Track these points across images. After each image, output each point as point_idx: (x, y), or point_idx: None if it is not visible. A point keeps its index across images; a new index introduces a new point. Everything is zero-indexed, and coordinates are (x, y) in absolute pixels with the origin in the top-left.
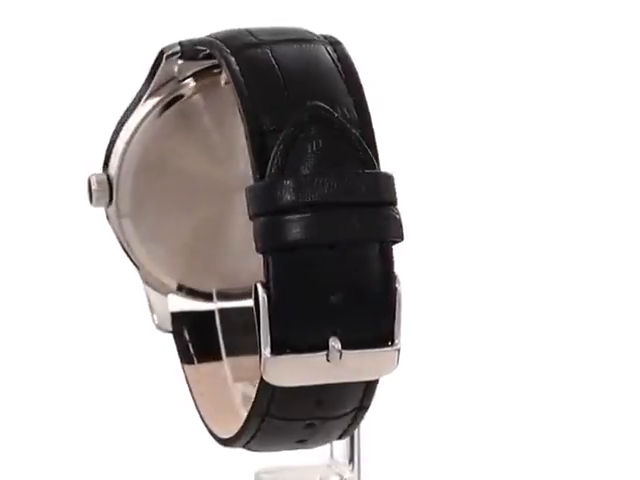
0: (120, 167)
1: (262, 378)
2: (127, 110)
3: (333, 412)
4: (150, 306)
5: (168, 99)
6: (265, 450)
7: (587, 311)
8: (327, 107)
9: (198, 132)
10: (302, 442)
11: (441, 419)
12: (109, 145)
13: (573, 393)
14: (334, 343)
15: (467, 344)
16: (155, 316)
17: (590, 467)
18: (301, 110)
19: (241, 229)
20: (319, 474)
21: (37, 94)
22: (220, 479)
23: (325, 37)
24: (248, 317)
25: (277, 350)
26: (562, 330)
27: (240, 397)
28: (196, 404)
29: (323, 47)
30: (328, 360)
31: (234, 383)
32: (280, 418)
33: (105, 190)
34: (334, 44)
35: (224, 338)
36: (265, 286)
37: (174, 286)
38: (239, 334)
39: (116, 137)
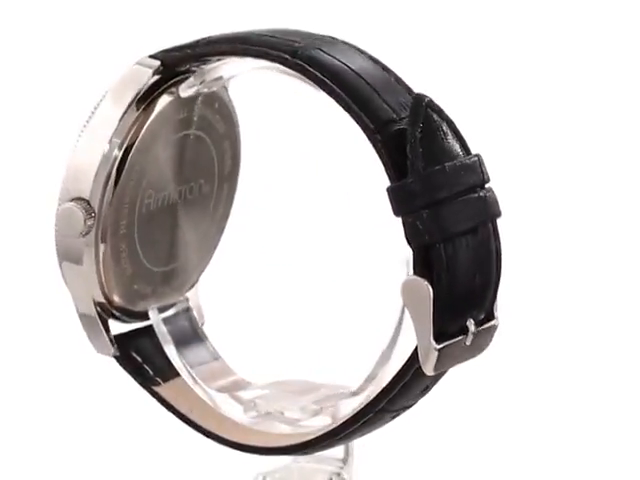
0: (104, 192)
1: (402, 371)
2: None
3: (421, 398)
4: (92, 335)
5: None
6: (324, 450)
7: None
8: (431, 98)
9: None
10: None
11: (435, 418)
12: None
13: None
14: (471, 326)
15: None
16: (97, 343)
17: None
18: (414, 103)
19: (182, 242)
20: (320, 473)
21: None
22: None
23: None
24: (192, 326)
25: (438, 340)
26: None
27: (235, 404)
28: (189, 421)
29: (346, 46)
30: (465, 343)
31: (217, 392)
32: (387, 411)
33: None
34: (345, 44)
35: (178, 350)
36: (426, 278)
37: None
38: (190, 343)
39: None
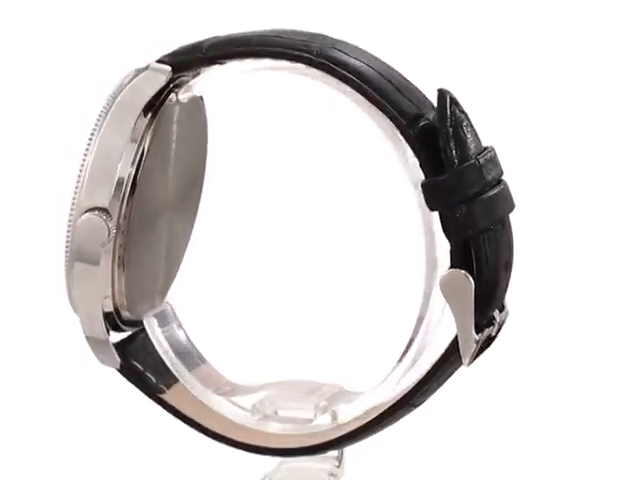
0: (122, 202)
1: (438, 364)
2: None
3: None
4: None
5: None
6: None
7: None
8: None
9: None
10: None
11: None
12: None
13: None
14: (497, 316)
15: None
16: (103, 355)
17: None
18: (440, 99)
19: (170, 246)
20: (317, 473)
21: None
22: None
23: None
24: (180, 330)
25: (477, 332)
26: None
27: (241, 406)
28: (198, 425)
29: (351, 46)
30: (492, 333)
31: (218, 395)
32: (413, 405)
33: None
34: (346, 43)
35: (176, 355)
36: (467, 270)
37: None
38: (183, 347)
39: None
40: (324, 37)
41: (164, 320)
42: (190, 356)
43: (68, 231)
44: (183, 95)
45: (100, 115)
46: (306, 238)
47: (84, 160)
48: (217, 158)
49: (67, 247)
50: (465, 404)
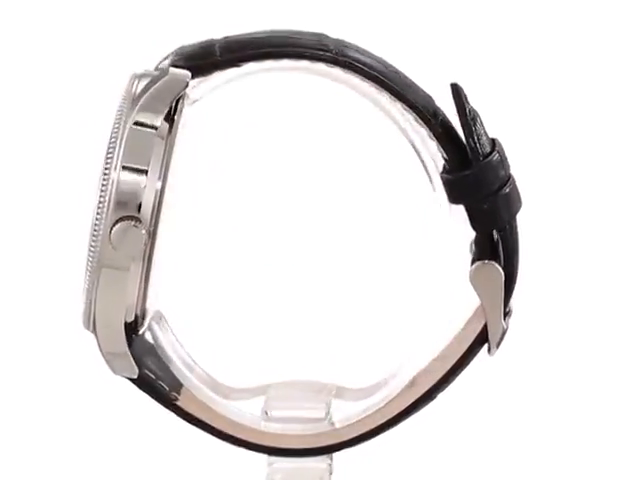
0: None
1: (464, 357)
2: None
3: None
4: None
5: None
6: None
7: None
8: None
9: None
10: None
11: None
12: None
13: None
14: (512, 306)
15: None
16: (121, 365)
17: None
18: (455, 94)
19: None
20: (314, 472)
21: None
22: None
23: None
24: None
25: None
26: None
27: (251, 409)
28: (212, 429)
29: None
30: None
31: (221, 398)
32: (431, 399)
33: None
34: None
35: (180, 360)
36: (496, 262)
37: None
38: (186, 352)
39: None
40: (326, 36)
41: (162, 325)
42: (189, 360)
43: (94, 240)
44: (189, 99)
45: (117, 123)
46: (313, 237)
47: (107, 170)
48: (227, 160)
49: (92, 256)
50: (458, 399)
